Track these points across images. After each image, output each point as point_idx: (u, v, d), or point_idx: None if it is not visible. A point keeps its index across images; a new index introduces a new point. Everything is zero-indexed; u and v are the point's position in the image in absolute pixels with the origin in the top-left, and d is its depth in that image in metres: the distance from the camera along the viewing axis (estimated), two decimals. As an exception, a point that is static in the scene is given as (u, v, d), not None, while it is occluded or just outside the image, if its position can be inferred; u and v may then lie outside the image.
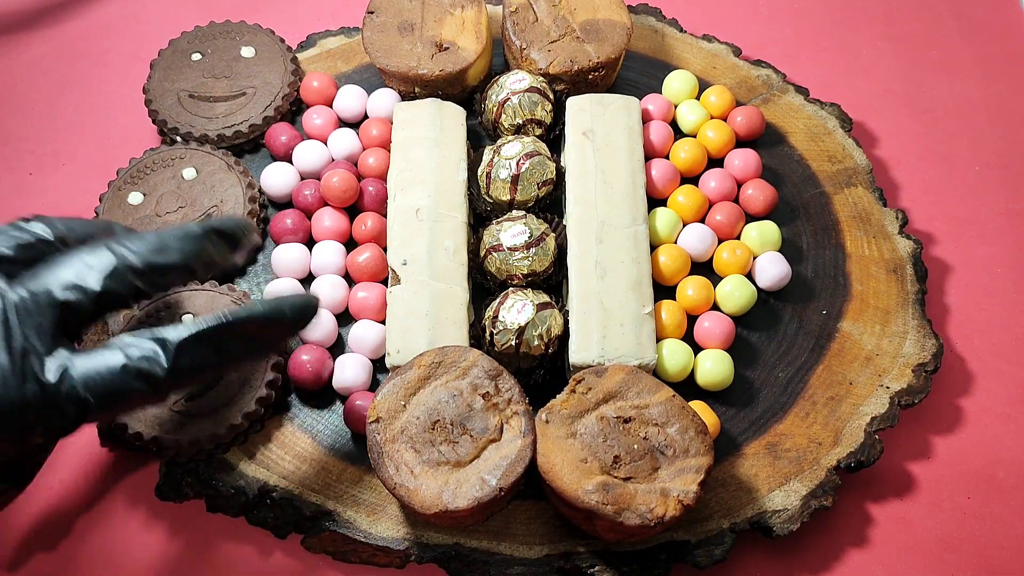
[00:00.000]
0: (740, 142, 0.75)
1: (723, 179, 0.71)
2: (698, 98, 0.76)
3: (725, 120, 0.75)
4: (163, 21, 0.87)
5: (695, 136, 0.74)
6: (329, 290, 0.65)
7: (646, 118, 0.74)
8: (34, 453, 0.49)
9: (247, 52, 0.76)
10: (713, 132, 0.73)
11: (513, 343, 0.60)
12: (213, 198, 0.69)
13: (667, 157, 0.73)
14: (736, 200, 0.72)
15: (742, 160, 0.72)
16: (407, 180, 0.67)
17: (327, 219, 0.68)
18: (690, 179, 0.73)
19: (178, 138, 0.73)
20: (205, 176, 0.70)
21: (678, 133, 0.75)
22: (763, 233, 0.69)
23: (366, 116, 0.75)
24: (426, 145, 0.68)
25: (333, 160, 0.72)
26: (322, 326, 0.64)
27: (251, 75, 0.75)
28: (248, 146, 0.74)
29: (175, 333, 0.44)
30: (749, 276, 0.68)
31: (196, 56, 0.76)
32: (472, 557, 0.58)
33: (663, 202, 0.71)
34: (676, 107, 0.76)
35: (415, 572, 0.61)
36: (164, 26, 0.87)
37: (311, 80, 0.75)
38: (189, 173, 0.70)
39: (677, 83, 0.76)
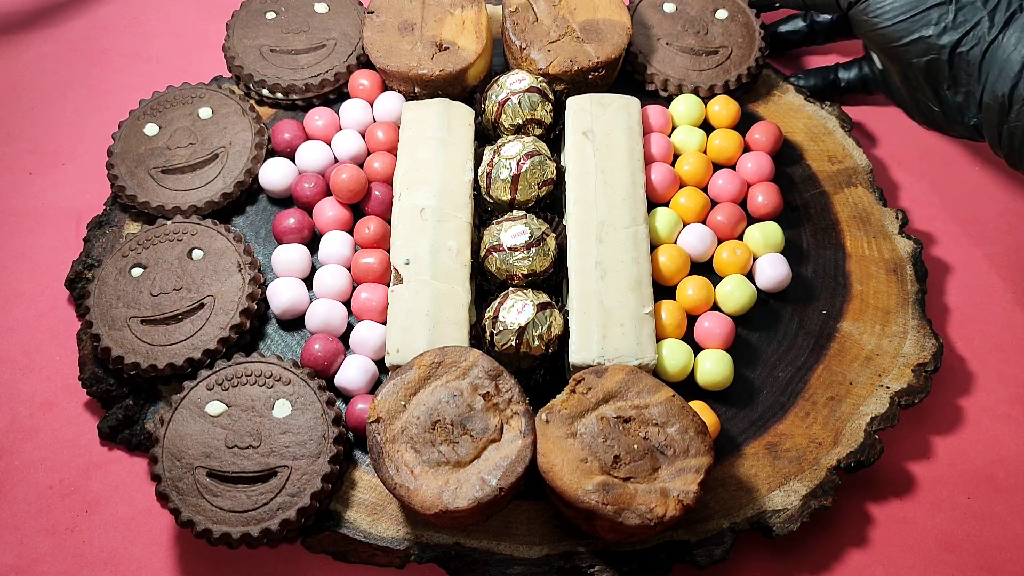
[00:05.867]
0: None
1: (732, 180, 0.71)
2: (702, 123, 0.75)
3: (734, 128, 0.74)
4: (163, 21, 0.87)
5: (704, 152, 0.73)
6: (335, 281, 0.66)
7: (645, 128, 0.73)
8: None
9: (320, 8, 0.78)
10: (721, 141, 0.73)
11: (513, 343, 0.60)
12: (223, 139, 0.71)
13: (672, 164, 0.72)
14: (743, 203, 0.71)
15: (755, 164, 0.72)
16: (413, 179, 0.67)
17: (330, 209, 0.69)
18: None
19: (264, 91, 0.75)
20: (219, 117, 0.72)
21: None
22: (766, 235, 0.68)
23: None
24: (433, 145, 0.68)
25: (337, 161, 0.72)
26: (335, 316, 0.65)
27: (328, 28, 0.77)
28: (333, 94, 0.76)
29: None
30: (749, 276, 0.68)
31: (270, 15, 0.78)
32: (472, 557, 0.58)
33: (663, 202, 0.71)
34: (674, 128, 0.74)
35: (415, 572, 0.61)
36: (164, 26, 0.87)
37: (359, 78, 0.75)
38: (205, 112, 0.72)
39: (683, 107, 0.74)
